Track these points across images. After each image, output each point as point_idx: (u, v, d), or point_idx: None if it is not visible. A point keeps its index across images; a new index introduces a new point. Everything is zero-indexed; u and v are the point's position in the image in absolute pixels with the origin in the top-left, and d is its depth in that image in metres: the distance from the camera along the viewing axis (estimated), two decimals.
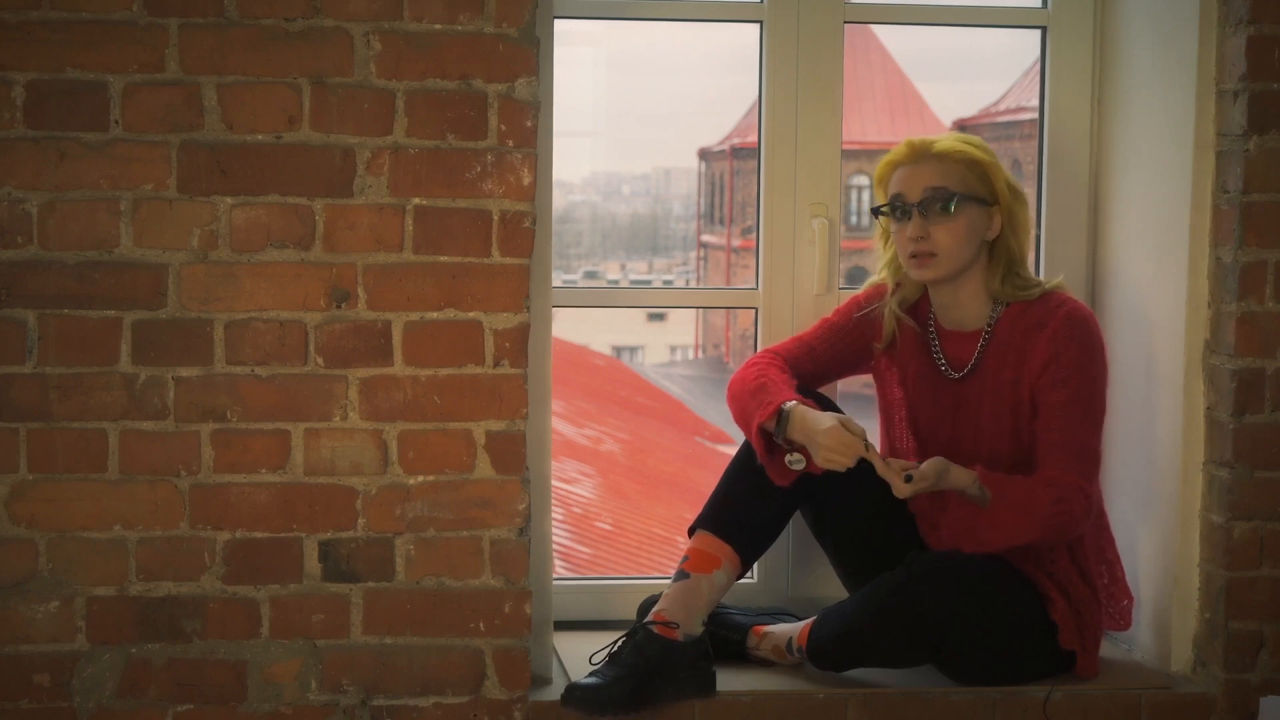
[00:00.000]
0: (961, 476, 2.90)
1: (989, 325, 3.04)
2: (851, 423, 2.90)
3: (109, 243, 2.76)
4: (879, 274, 3.17)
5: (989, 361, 3.03)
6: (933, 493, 3.02)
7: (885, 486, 3.12)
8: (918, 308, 3.13)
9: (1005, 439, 3.00)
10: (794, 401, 2.93)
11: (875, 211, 3.07)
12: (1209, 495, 3.06)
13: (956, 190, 2.99)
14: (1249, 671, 3.04)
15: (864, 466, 2.94)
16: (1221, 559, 3.03)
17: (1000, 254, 3.03)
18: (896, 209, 3.03)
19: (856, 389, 3.49)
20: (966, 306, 3.06)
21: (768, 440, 2.95)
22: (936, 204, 2.99)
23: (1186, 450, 3.08)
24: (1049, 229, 3.41)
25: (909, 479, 2.86)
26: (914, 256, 3.01)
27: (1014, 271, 3.03)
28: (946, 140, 3.04)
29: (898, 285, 3.13)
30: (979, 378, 3.03)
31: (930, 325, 3.11)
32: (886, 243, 3.13)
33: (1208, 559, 3.07)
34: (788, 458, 2.94)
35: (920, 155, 3.03)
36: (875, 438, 3.20)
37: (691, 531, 3.04)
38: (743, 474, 3.04)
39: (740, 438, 3.09)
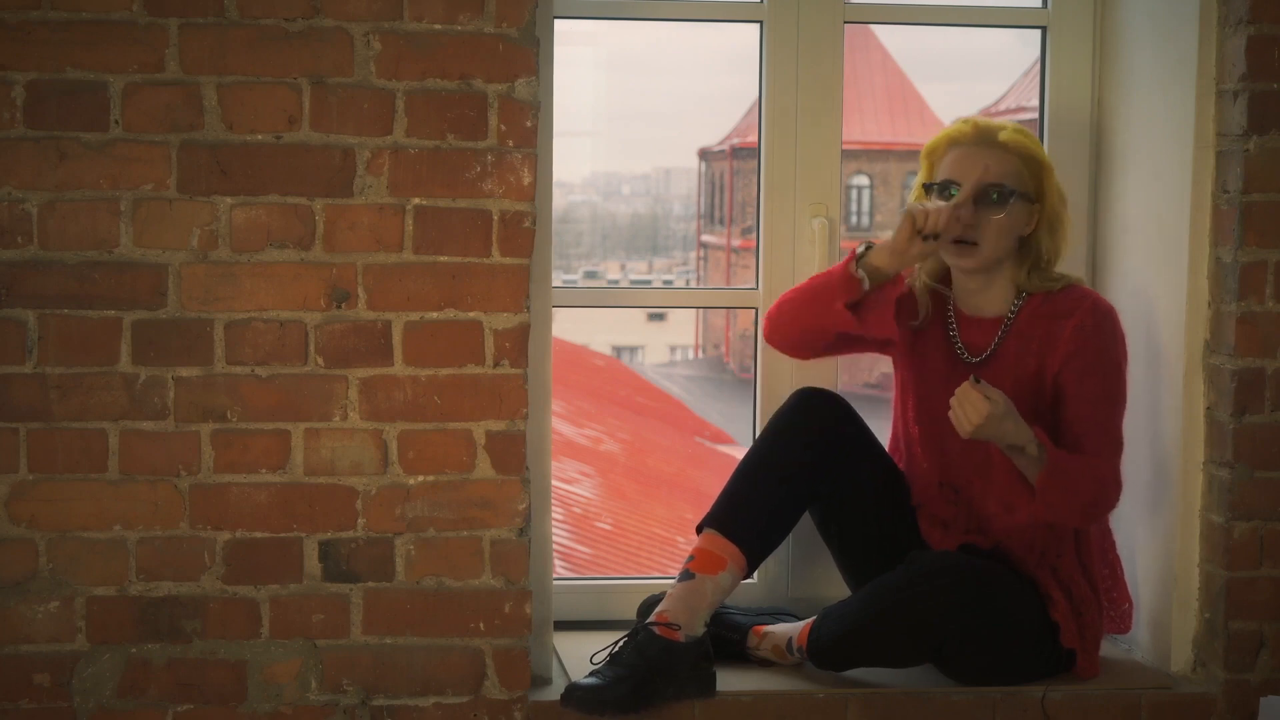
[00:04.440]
0: (1023, 428, 2.86)
1: (1011, 313, 3.04)
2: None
3: (109, 243, 2.76)
4: None
5: (1009, 348, 3.03)
6: (944, 477, 3.02)
7: (891, 486, 3.13)
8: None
9: None
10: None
11: (926, 188, 3.06)
12: (1209, 495, 3.06)
13: (1013, 187, 2.99)
14: (1249, 671, 3.04)
15: (867, 470, 2.96)
16: (1221, 559, 3.03)
17: (1030, 250, 3.04)
18: (949, 192, 3.01)
19: (857, 388, 3.49)
20: (992, 294, 3.06)
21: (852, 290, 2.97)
22: (991, 196, 2.98)
23: (1186, 450, 3.08)
24: None
25: (977, 380, 2.85)
26: (957, 242, 3.00)
27: (1040, 266, 3.04)
28: (1010, 131, 3.02)
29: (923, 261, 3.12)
30: (997, 364, 3.03)
31: (949, 309, 3.11)
32: None
33: (1208, 559, 3.07)
34: (859, 267, 2.96)
35: (984, 140, 3.01)
36: (885, 429, 3.21)
37: (699, 530, 3.03)
38: (753, 474, 3.04)
39: (742, 437, 3.08)
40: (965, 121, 3.05)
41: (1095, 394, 2.95)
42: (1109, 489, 2.95)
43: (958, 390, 2.87)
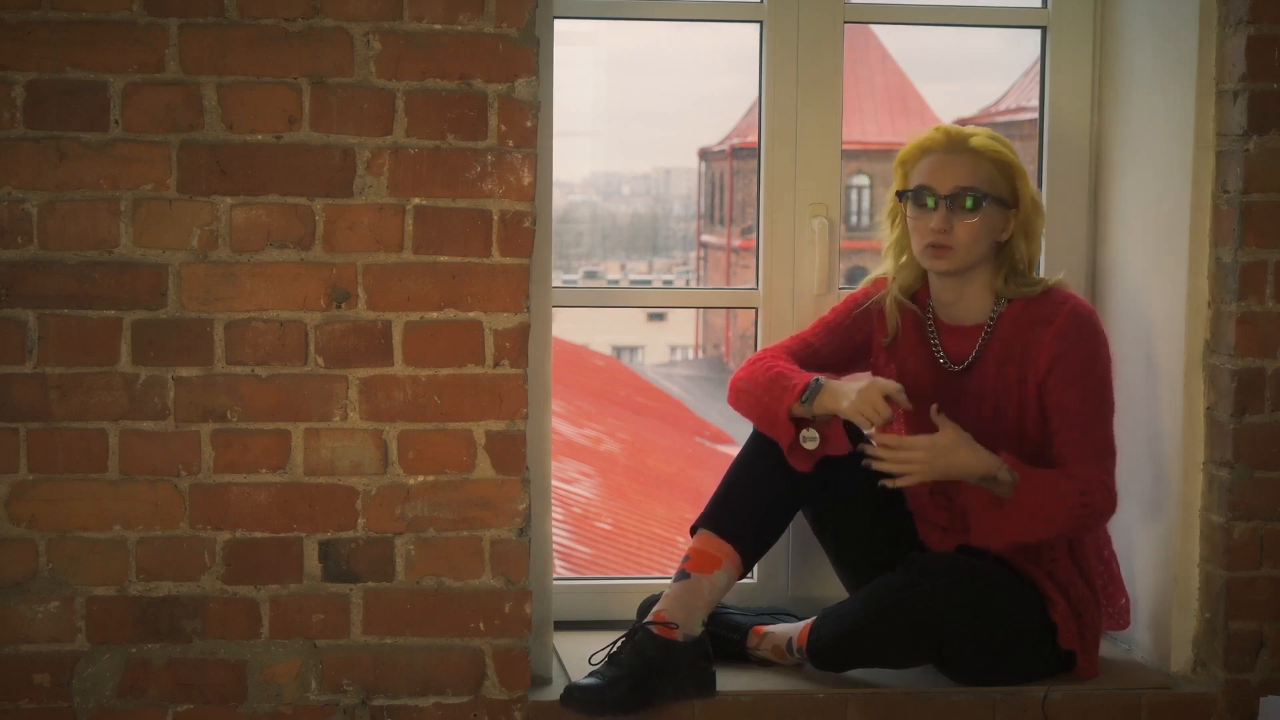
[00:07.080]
0: (984, 458, 2.89)
1: (990, 320, 3.04)
2: (887, 384, 2.91)
3: (109, 243, 2.76)
4: (884, 252, 3.16)
5: (990, 356, 3.03)
6: (935, 484, 3.02)
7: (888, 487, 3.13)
8: (915, 299, 3.13)
9: (1010, 434, 2.99)
10: (823, 377, 2.96)
11: (899, 195, 3.06)
12: (1209, 495, 3.06)
13: (986, 191, 2.98)
14: (1249, 671, 3.04)
15: (862, 469, 2.95)
16: (1221, 559, 3.03)
17: (1006, 256, 3.03)
18: (922, 198, 3.02)
19: None
20: (969, 301, 3.05)
21: (794, 427, 2.95)
22: (964, 201, 2.98)
23: (1186, 450, 3.08)
24: (1049, 229, 3.40)
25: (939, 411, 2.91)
26: (931, 246, 3.00)
27: (1017, 271, 3.03)
28: (981, 137, 3.01)
29: (897, 272, 3.12)
30: (980, 372, 3.03)
31: (929, 318, 3.11)
32: (894, 222, 3.12)
33: (1208, 559, 3.07)
34: (802, 433, 2.94)
35: (955, 147, 3.01)
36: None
37: (693, 530, 3.03)
38: (746, 473, 3.04)
39: (741, 437, 3.08)
40: (937, 129, 3.04)
41: (1080, 402, 2.94)
42: (1096, 497, 2.92)
43: (884, 438, 2.91)
